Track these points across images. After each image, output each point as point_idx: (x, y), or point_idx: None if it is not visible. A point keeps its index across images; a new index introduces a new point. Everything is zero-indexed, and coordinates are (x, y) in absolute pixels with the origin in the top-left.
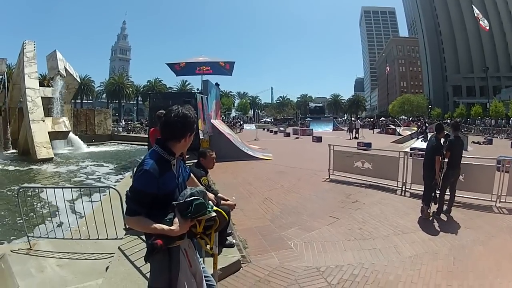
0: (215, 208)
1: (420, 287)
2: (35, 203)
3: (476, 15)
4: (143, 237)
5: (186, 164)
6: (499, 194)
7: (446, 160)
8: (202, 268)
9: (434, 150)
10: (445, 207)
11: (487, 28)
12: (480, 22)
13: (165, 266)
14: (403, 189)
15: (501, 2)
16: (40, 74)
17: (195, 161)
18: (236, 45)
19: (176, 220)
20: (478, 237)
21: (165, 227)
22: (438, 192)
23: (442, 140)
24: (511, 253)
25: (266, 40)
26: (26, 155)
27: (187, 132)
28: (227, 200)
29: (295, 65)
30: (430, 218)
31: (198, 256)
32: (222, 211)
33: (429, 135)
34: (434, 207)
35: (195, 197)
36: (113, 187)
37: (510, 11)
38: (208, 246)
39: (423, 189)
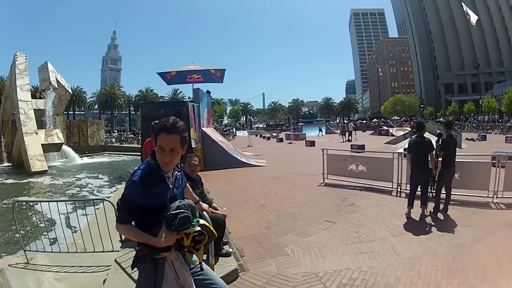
0: (201, 222)
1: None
2: (31, 217)
3: (466, 13)
4: None
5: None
6: (496, 190)
7: (440, 159)
8: (206, 278)
9: (427, 149)
10: (441, 206)
11: (474, 24)
12: (471, 19)
13: (150, 276)
14: (399, 190)
15: None
16: (32, 86)
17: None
18: (226, 51)
19: (161, 231)
20: (477, 234)
21: (151, 237)
22: (434, 191)
23: (435, 139)
24: (511, 248)
25: (256, 46)
26: (21, 168)
27: None
28: (218, 210)
29: (285, 70)
30: (432, 218)
31: (187, 268)
32: (210, 226)
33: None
34: (430, 207)
35: (181, 210)
36: (107, 199)
37: (500, 7)
38: (197, 260)
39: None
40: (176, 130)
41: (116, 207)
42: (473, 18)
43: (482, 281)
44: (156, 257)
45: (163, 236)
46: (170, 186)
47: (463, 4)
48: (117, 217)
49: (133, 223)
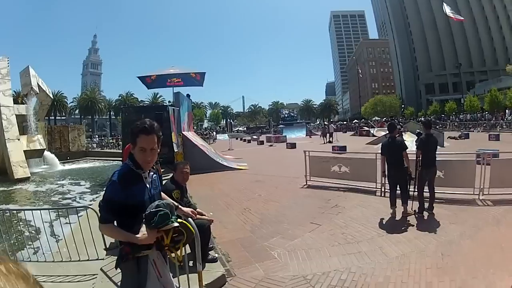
0: (179, 220)
1: (411, 286)
2: (16, 225)
3: (449, 12)
4: None
5: (163, 179)
6: (482, 187)
7: (420, 158)
8: None
9: (400, 148)
10: (426, 205)
11: (463, 18)
12: (455, 16)
13: (134, 274)
14: (382, 190)
15: None
16: (14, 91)
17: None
18: (206, 55)
19: (142, 229)
20: (465, 231)
21: (132, 235)
22: (416, 190)
23: (414, 138)
24: (501, 243)
25: (236, 48)
26: (4, 175)
27: None
28: (204, 215)
29: (265, 72)
30: (415, 217)
31: (168, 267)
32: (188, 224)
33: (404, 135)
34: (415, 206)
35: (160, 209)
36: (90, 207)
37: (483, 6)
38: (176, 259)
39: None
40: (154, 131)
41: (98, 208)
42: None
43: (474, 277)
44: (138, 256)
45: (144, 233)
46: (148, 185)
47: (445, 6)
48: (100, 217)
49: (115, 223)
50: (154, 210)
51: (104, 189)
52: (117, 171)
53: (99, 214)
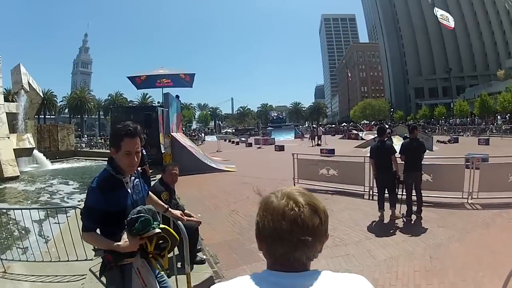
0: (162, 226)
1: None
2: (5, 224)
3: (440, 16)
4: None
5: (151, 180)
6: (471, 191)
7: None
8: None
9: (389, 152)
10: (414, 208)
11: (452, 26)
12: (444, 22)
13: (117, 283)
14: (370, 193)
15: (465, 3)
16: (5, 89)
17: (160, 176)
18: (195, 55)
19: (124, 236)
20: (453, 235)
21: (114, 243)
22: (404, 194)
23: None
24: (490, 247)
25: (225, 50)
26: None
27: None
28: (192, 216)
29: (254, 75)
30: (403, 220)
31: (153, 275)
32: (170, 229)
33: (393, 139)
34: (403, 209)
35: (142, 214)
36: (78, 207)
37: (475, 12)
38: (160, 266)
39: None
40: (137, 133)
41: (80, 216)
42: (450, 21)
43: (463, 279)
44: (122, 264)
45: (126, 240)
46: (129, 191)
47: (436, 10)
48: (82, 226)
49: (98, 231)
50: (135, 216)
51: (85, 195)
52: (97, 177)
53: (81, 221)
